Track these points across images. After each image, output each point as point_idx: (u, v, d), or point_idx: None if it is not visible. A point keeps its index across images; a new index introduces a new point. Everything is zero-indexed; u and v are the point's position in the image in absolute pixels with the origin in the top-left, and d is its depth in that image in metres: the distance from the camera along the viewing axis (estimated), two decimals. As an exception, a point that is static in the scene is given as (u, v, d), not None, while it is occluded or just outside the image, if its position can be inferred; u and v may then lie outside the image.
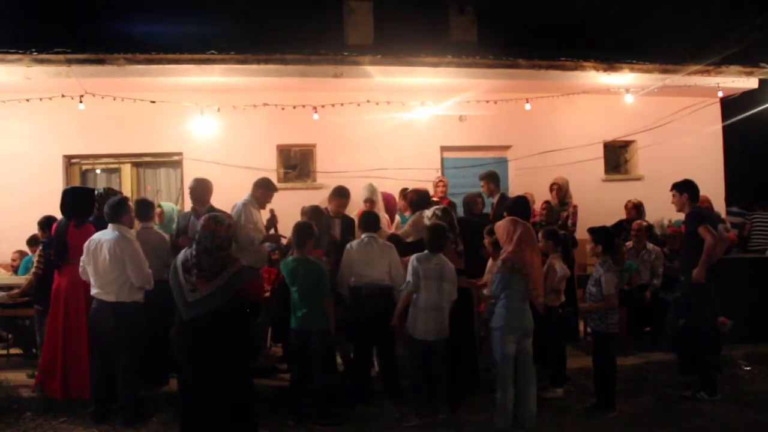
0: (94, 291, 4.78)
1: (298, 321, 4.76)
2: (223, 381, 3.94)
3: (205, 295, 3.90)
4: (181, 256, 4.10)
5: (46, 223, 5.95)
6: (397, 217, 6.98)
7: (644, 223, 6.88)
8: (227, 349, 3.96)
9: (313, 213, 5.63)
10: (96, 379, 4.85)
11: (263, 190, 5.97)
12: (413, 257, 4.90)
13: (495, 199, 6.88)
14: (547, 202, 6.87)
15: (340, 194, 6.19)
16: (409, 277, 4.85)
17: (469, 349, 5.37)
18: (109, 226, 4.83)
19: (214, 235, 3.97)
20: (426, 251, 4.89)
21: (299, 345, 4.76)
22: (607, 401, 4.96)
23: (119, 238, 4.72)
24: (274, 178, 6.90)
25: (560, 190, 7.12)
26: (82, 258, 4.86)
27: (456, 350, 4.98)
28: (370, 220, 5.47)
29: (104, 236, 4.78)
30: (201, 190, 5.82)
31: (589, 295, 5.11)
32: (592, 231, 5.17)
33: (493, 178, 6.95)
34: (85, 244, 4.86)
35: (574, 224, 6.92)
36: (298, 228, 4.88)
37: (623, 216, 7.49)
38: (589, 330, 5.53)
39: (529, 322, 4.67)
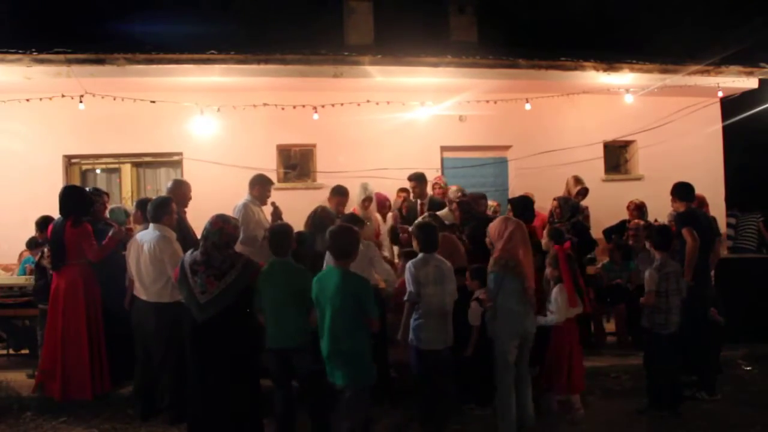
0: (136, 290, 4.83)
1: (274, 337, 4.08)
2: (235, 382, 3.91)
3: (215, 295, 3.91)
4: (187, 257, 4.08)
5: (43, 223, 5.89)
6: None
7: (641, 223, 6.85)
8: (239, 349, 3.93)
9: (327, 217, 5.39)
10: (140, 378, 4.87)
11: (260, 186, 5.99)
12: (409, 264, 4.57)
13: (425, 201, 6.91)
14: (560, 198, 6.74)
15: (339, 193, 6.40)
16: (409, 287, 4.48)
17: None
18: (151, 226, 4.80)
19: (222, 233, 4.01)
20: (420, 254, 4.56)
21: (278, 367, 4.13)
22: (658, 399, 4.92)
23: (159, 238, 4.69)
24: (273, 178, 6.88)
25: (563, 205, 6.81)
26: (127, 257, 4.90)
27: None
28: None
29: (145, 236, 4.77)
30: (181, 192, 5.63)
31: None
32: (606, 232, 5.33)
33: (423, 180, 6.93)
34: (128, 244, 4.91)
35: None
36: (277, 234, 4.29)
37: (623, 216, 7.46)
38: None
39: (531, 325, 4.50)
